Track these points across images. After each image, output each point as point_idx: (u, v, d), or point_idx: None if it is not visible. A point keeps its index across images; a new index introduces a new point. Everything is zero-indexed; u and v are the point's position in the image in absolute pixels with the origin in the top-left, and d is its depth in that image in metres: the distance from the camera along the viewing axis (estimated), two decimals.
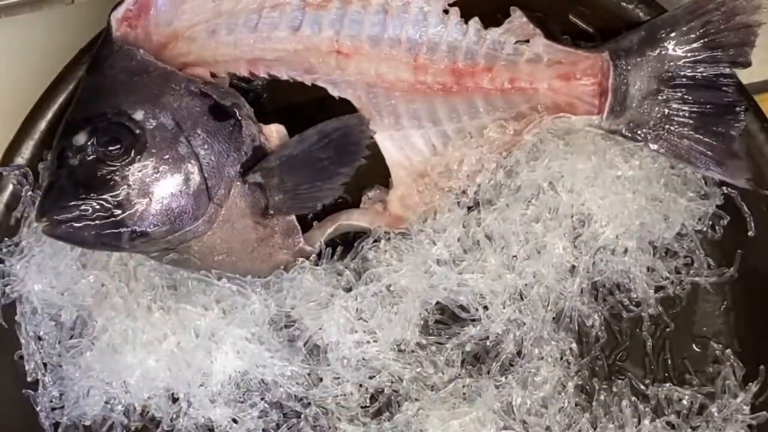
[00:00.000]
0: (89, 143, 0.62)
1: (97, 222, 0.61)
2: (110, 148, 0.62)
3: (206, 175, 0.63)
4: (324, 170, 0.66)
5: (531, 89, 0.68)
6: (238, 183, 0.64)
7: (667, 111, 0.67)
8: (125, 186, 0.62)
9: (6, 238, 0.70)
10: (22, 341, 0.70)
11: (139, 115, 0.63)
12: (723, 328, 0.69)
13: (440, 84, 0.68)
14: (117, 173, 0.62)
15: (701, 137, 0.67)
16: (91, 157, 0.62)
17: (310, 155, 0.65)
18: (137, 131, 0.62)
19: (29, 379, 0.70)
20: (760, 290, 0.68)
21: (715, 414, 0.66)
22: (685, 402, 0.67)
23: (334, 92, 0.68)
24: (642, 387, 0.68)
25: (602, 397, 0.67)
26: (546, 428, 0.66)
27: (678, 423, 0.66)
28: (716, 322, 0.70)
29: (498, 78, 0.68)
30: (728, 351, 0.68)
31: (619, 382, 0.68)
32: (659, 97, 0.67)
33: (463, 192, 0.68)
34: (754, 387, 0.67)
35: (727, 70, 0.67)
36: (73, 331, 0.70)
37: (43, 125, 0.71)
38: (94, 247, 0.65)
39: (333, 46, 0.67)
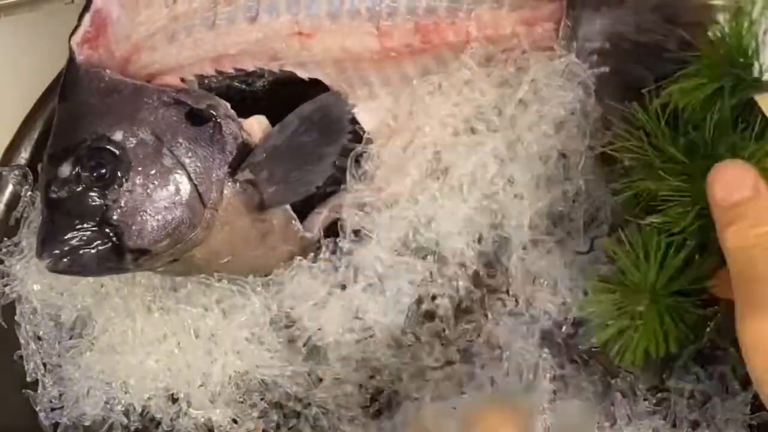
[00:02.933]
0: (74, 173, 0.62)
1: (98, 249, 0.61)
2: (96, 174, 0.61)
3: (196, 182, 0.63)
4: (311, 154, 0.65)
5: (496, 36, 0.68)
6: (229, 183, 0.64)
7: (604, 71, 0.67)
8: (118, 209, 0.62)
9: (6, 238, 0.70)
10: (22, 341, 0.70)
11: (118, 136, 0.62)
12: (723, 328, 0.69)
13: (407, 46, 0.68)
14: (108, 197, 0.62)
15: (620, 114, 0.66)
16: (79, 186, 0.62)
17: (294, 141, 0.65)
18: (119, 152, 0.62)
19: (29, 379, 0.70)
20: None
21: (715, 414, 0.66)
22: (685, 401, 0.67)
23: (303, 74, 0.67)
24: (642, 387, 0.68)
25: None
26: None
27: (678, 423, 0.66)
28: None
29: (462, 29, 0.68)
30: (728, 351, 0.68)
31: (620, 381, 0.68)
32: (601, 56, 0.67)
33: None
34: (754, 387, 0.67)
35: (676, 50, 0.66)
36: (73, 332, 0.70)
37: (42, 125, 0.71)
38: (101, 273, 0.65)
39: (293, 28, 0.67)
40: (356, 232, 0.68)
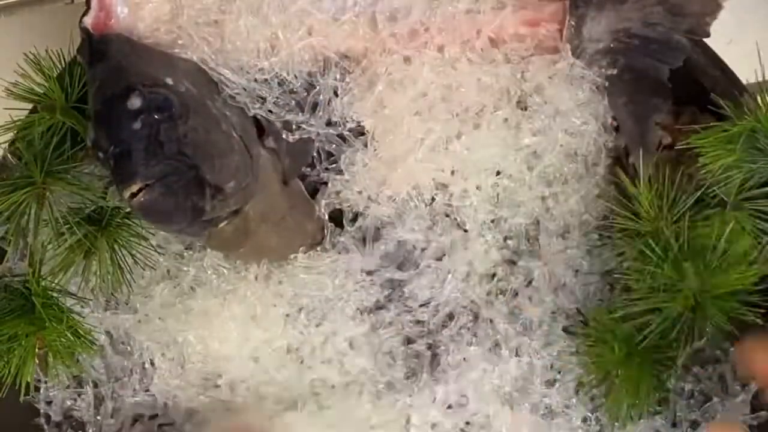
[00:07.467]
0: (145, 106, 0.59)
1: (182, 180, 0.59)
2: (164, 107, 0.59)
3: (240, 133, 0.62)
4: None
5: (499, 37, 0.68)
6: (260, 148, 0.64)
7: (613, 69, 0.68)
8: (189, 145, 0.60)
9: None
10: None
11: (170, 81, 0.61)
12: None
13: (410, 45, 0.67)
14: (179, 133, 0.59)
15: (631, 108, 0.68)
16: (152, 117, 0.59)
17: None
18: (178, 92, 0.60)
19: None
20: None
21: (715, 414, 0.67)
22: (685, 401, 0.67)
23: None
24: None
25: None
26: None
27: (678, 421, 0.67)
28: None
29: (465, 30, 0.67)
30: (729, 351, 0.68)
31: None
32: (608, 55, 0.68)
33: None
34: (753, 387, 0.67)
35: (683, 40, 0.67)
36: None
37: None
38: (183, 212, 0.60)
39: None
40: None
